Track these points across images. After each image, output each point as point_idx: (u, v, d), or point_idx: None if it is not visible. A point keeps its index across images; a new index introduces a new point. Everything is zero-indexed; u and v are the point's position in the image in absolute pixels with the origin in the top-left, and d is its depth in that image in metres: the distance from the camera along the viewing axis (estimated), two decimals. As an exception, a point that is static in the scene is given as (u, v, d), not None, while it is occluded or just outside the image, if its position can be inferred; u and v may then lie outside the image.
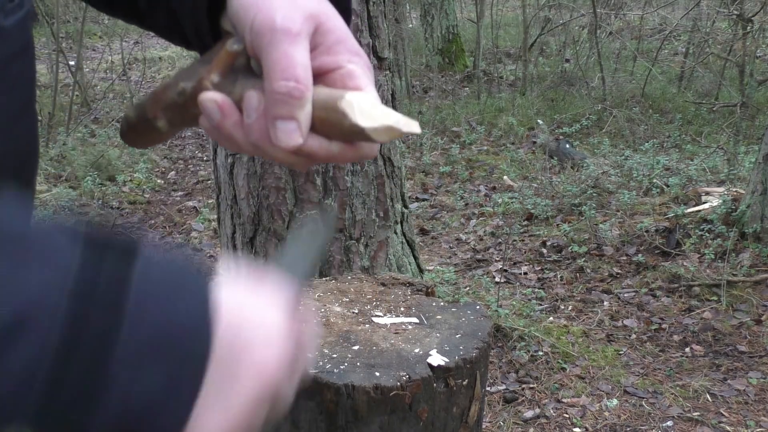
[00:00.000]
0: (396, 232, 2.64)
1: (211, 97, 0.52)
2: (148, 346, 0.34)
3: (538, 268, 3.71)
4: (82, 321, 0.33)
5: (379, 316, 1.26)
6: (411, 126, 0.52)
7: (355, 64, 0.54)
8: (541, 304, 3.29)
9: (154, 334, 0.35)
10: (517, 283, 3.56)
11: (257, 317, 0.41)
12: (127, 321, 0.34)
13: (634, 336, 3.01)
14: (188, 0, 0.58)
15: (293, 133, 0.49)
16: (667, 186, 4.35)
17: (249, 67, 0.54)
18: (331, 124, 0.50)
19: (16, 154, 0.58)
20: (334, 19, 0.55)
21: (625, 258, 3.63)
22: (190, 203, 4.86)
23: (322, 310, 1.27)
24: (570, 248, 3.75)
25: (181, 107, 0.56)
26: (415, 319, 1.24)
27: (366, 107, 0.49)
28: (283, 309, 0.42)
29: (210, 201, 4.72)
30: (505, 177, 5.15)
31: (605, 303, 3.29)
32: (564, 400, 2.57)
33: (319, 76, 0.54)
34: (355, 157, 0.54)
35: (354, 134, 0.50)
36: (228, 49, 0.54)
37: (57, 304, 0.33)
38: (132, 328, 0.34)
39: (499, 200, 4.57)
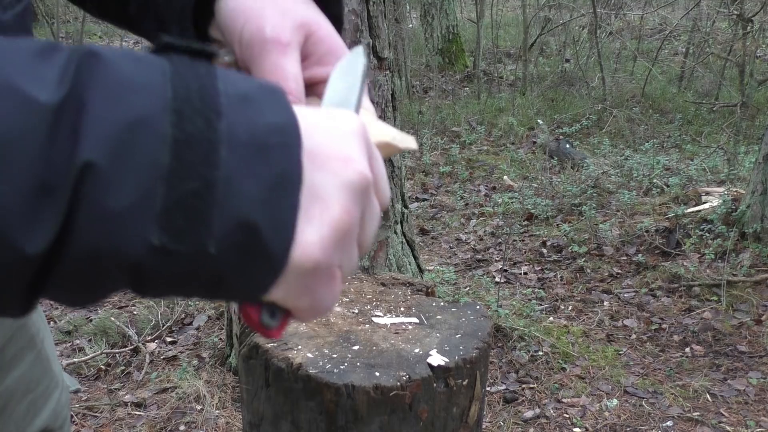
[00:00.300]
0: (396, 232, 2.64)
1: None
2: (247, 146, 0.35)
3: (538, 268, 3.71)
4: (186, 121, 0.34)
5: (379, 316, 1.26)
6: (408, 142, 0.51)
7: None
8: (541, 304, 3.29)
9: (250, 134, 0.35)
10: (517, 283, 3.56)
11: (332, 120, 0.41)
12: (224, 121, 0.35)
13: (634, 336, 3.01)
14: (175, 8, 0.58)
15: None
16: (667, 186, 4.35)
17: None
18: None
19: None
20: (324, 27, 0.55)
21: (625, 258, 3.63)
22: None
23: (322, 310, 1.27)
24: (570, 248, 3.75)
25: None
26: (415, 319, 1.24)
27: None
28: (352, 118, 0.43)
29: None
30: (505, 177, 5.15)
31: (605, 303, 3.29)
32: (564, 400, 2.57)
33: (311, 86, 0.54)
34: None
35: None
36: (219, 60, 0.54)
37: (164, 103, 0.34)
38: (231, 128, 0.35)
39: (499, 200, 4.57)
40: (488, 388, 2.60)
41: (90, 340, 2.99)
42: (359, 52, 0.51)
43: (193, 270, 0.35)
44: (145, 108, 0.33)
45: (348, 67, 0.50)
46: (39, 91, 0.31)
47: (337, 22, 0.58)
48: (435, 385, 1.06)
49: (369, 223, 0.42)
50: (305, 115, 0.40)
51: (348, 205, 0.39)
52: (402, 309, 1.29)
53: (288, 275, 0.38)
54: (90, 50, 0.34)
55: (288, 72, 0.51)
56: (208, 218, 0.34)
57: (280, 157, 0.36)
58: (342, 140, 0.40)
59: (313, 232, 0.38)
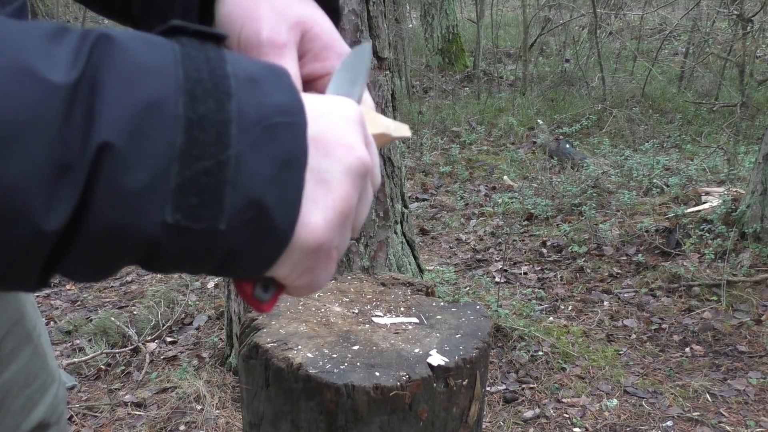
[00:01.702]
0: (396, 232, 2.64)
1: None
2: (256, 125, 0.36)
3: (538, 268, 3.71)
4: (198, 102, 0.35)
5: (379, 316, 1.26)
6: (402, 131, 0.53)
7: None
8: (541, 304, 3.29)
9: (259, 114, 0.37)
10: (517, 283, 3.56)
11: (334, 107, 0.43)
12: (234, 102, 0.36)
13: (634, 336, 3.01)
14: (179, 7, 0.59)
15: None
16: (667, 186, 4.35)
17: None
18: None
19: None
20: (321, 22, 0.56)
21: (625, 258, 3.63)
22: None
23: (322, 310, 1.27)
24: (570, 248, 3.75)
25: None
26: (415, 319, 1.24)
27: None
28: (353, 107, 0.44)
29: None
30: (505, 177, 5.15)
31: (605, 303, 3.29)
32: (564, 400, 2.57)
33: (310, 82, 0.55)
34: None
35: None
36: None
37: (177, 85, 0.35)
38: (241, 108, 0.36)
39: (499, 200, 4.57)
40: (488, 388, 2.60)
41: (90, 340, 2.99)
42: (365, 48, 0.52)
43: (203, 246, 0.36)
44: (159, 90, 0.34)
45: (353, 61, 0.51)
46: (53, 72, 0.31)
47: (334, 14, 0.59)
48: (435, 385, 1.06)
49: (363, 207, 0.44)
50: (309, 100, 0.41)
51: (349, 190, 0.41)
52: (402, 309, 1.29)
53: (293, 254, 0.40)
54: (102, 32, 0.34)
55: None
56: (220, 196, 0.35)
57: (287, 136, 0.38)
58: (344, 127, 0.42)
59: (319, 214, 0.39)
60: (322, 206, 0.39)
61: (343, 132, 0.41)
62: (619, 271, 3.54)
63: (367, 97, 0.54)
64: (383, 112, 2.55)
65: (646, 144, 5.22)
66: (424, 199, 4.89)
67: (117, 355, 2.90)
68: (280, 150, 0.37)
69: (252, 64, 0.39)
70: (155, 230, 0.34)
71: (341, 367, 1.06)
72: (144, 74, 0.34)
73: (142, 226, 0.34)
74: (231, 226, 0.36)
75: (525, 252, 3.90)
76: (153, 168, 0.33)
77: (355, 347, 1.13)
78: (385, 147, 2.57)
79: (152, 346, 2.96)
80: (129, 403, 2.54)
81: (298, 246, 0.39)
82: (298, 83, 0.52)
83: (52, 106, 0.31)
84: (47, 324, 3.14)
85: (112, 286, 3.62)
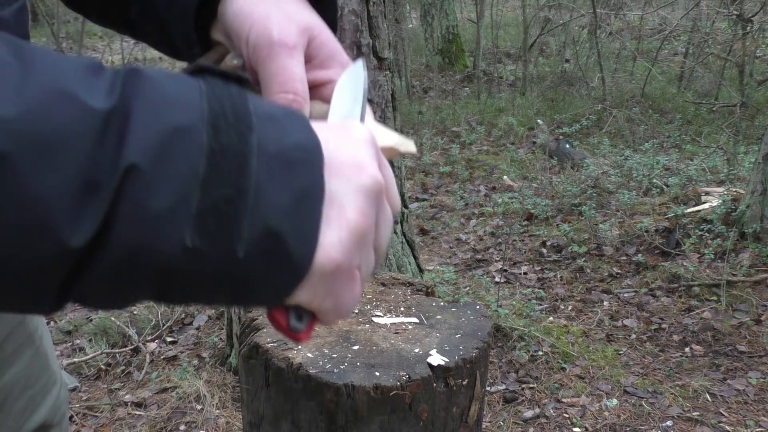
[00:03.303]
0: (396, 232, 2.65)
1: None
2: (275, 159, 0.38)
3: (538, 268, 3.71)
4: (221, 133, 0.37)
5: (379, 316, 1.26)
6: (408, 146, 0.54)
7: None
8: (541, 304, 3.29)
9: (278, 149, 0.38)
10: (517, 283, 3.56)
11: (344, 131, 0.44)
12: (255, 136, 0.38)
13: (633, 336, 3.01)
14: (177, 12, 0.59)
15: None
16: (667, 186, 4.35)
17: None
18: None
19: None
20: (325, 32, 0.57)
21: (625, 258, 3.64)
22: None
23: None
24: (570, 248, 3.75)
25: None
26: (415, 319, 1.24)
27: None
28: (362, 129, 0.45)
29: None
30: (505, 177, 5.15)
31: (605, 303, 3.29)
32: (564, 400, 2.57)
33: (313, 88, 0.55)
34: None
35: None
36: (228, 63, 0.55)
37: (201, 116, 0.36)
38: (261, 142, 0.38)
39: (499, 200, 4.58)
40: (488, 388, 2.60)
41: (90, 340, 2.99)
42: (360, 66, 0.53)
43: (221, 272, 0.37)
44: (185, 119, 0.36)
45: (350, 80, 0.53)
46: (91, 98, 0.34)
47: (332, 26, 0.60)
48: (435, 384, 1.06)
49: (383, 227, 0.45)
50: (320, 128, 0.42)
51: (364, 208, 0.41)
52: (402, 309, 1.29)
53: (311, 278, 0.40)
54: (134, 68, 0.37)
55: (295, 73, 0.52)
56: (239, 223, 0.36)
57: (304, 172, 0.39)
58: (354, 148, 0.43)
59: (333, 234, 0.40)
60: (336, 226, 0.40)
61: (353, 152, 0.42)
62: (619, 271, 3.54)
63: (368, 112, 0.54)
64: (383, 112, 2.55)
65: (646, 144, 5.22)
66: (424, 199, 4.89)
67: (117, 354, 2.90)
68: (298, 183, 0.38)
69: (272, 105, 0.41)
70: (175, 253, 0.35)
71: (341, 367, 1.06)
72: (171, 105, 0.36)
73: (163, 248, 0.35)
74: (249, 254, 0.37)
75: (525, 252, 3.91)
76: (175, 192, 0.35)
77: (355, 347, 1.13)
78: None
79: (152, 345, 2.96)
80: (129, 403, 2.54)
81: (315, 269, 0.40)
82: (305, 86, 0.53)
83: (88, 128, 0.33)
84: (48, 324, 3.13)
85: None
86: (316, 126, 0.42)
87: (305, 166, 0.39)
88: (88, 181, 0.33)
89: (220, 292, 0.39)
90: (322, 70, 0.56)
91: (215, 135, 0.36)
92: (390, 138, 0.52)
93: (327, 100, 0.54)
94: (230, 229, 0.36)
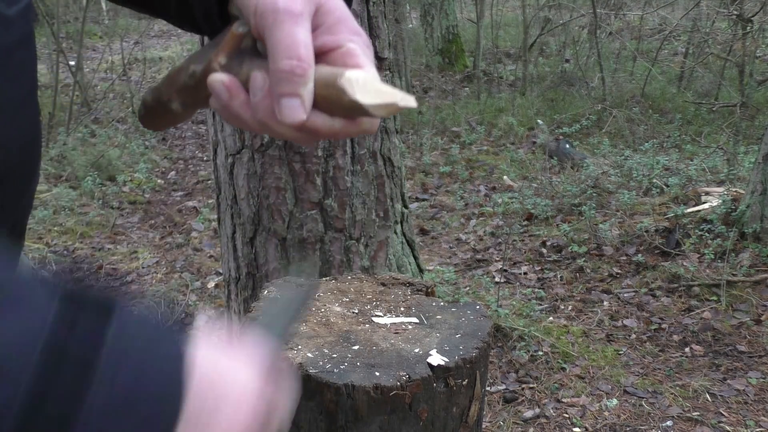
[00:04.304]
0: (396, 232, 2.65)
1: (218, 78, 0.54)
2: (115, 408, 0.34)
3: (538, 268, 3.71)
4: (51, 377, 0.33)
5: (379, 316, 1.26)
6: (408, 101, 0.54)
7: (355, 43, 0.55)
8: (541, 304, 3.29)
9: (122, 396, 0.34)
10: (517, 283, 3.56)
11: (230, 377, 0.40)
12: (96, 381, 0.34)
13: (633, 336, 3.01)
14: None
15: (297, 110, 0.51)
16: (667, 186, 4.35)
17: (255, 48, 0.56)
18: (332, 100, 0.52)
19: (21, 142, 0.59)
20: (333, 0, 0.56)
21: (624, 258, 3.64)
22: (190, 203, 4.87)
23: (322, 310, 1.27)
24: (570, 248, 3.75)
25: (193, 89, 0.58)
26: (415, 319, 1.24)
27: (364, 84, 0.51)
28: (258, 368, 0.42)
29: (210, 201, 4.72)
30: (505, 177, 5.15)
31: (605, 303, 3.29)
32: (564, 400, 2.57)
33: (321, 55, 0.55)
34: (356, 132, 0.55)
35: (354, 110, 0.52)
36: (234, 31, 0.56)
37: (29, 357, 0.33)
38: (100, 389, 0.34)
39: (499, 200, 4.58)
40: (488, 388, 2.61)
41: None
42: (310, 291, 0.53)
43: None
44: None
45: (290, 297, 0.53)
46: None
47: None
48: (435, 385, 1.06)
49: None
50: (203, 368, 0.38)
51: None
52: (402, 309, 1.29)
53: None
54: None
55: (300, 39, 0.52)
56: None
57: (149, 427, 0.35)
58: (234, 403, 0.39)
59: None
60: None
61: (230, 409, 0.39)
62: (619, 271, 3.54)
63: (371, 69, 0.54)
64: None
65: (646, 144, 5.22)
66: (424, 199, 4.89)
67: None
68: None
69: (143, 331, 0.37)
70: None
71: (341, 367, 1.07)
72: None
73: None
74: None
75: (525, 252, 3.91)
76: None
77: (355, 347, 1.14)
78: (391, 142, 2.58)
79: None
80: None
81: None
82: (310, 51, 0.52)
83: None
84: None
85: (112, 286, 3.62)
86: (200, 363, 0.38)
87: (154, 417, 0.35)
88: None
89: None
90: (329, 36, 0.55)
91: (42, 379, 0.33)
92: (388, 93, 0.52)
93: (335, 65, 0.54)
94: None
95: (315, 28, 0.55)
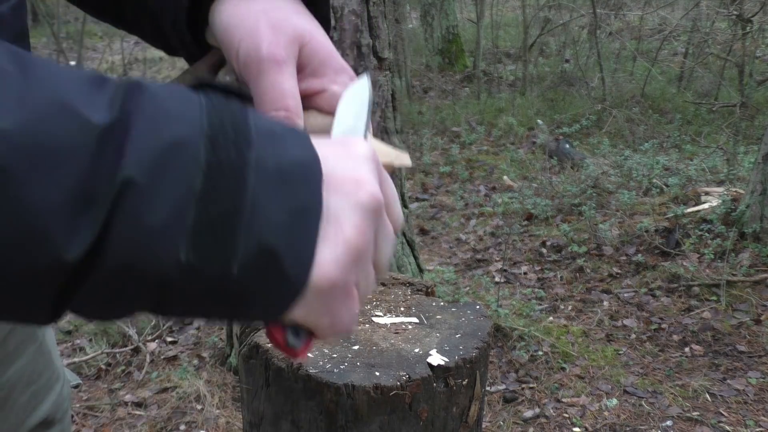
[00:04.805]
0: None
1: None
2: (273, 176, 0.38)
3: (537, 268, 3.71)
4: (219, 148, 0.36)
5: (379, 316, 1.26)
6: (403, 159, 0.54)
7: (340, 84, 0.56)
8: (540, 304, 3.29)
9: (277, 166, 0.38)
10: (517, 283, 3.56)
11: (345, 147, 0.44)
12: (254, 152, 0.37)
13: (633, 336, 3.02)
14: (169, 14, 0.59)
15: None
16: (667, 186, 4.36)
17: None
18: None
19: None
20: (317, 37, 0.56)
21: (624, 258, 3.64)
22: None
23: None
24: (570, 248, 3.75)
25: None
26: (415, 319, 1.25)
27: None
28: (364, 145, 0.45)
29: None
30: (505, 177, 5.15)
31: (605, 303, 3.29)
32: (564, 400, 2.57)
33: (307, 98, 0.55)
34: None
35: None
36: (220, 80, 0.56)
37: (200, 131, 0.36)
38: (259, 159, 0.37)
39: (499, 200, 4.58)
40: (488, 388, 2.61)
41: (90, 340, 3.00)
42: (364, 80, 0.53)
43: (216, 288, 0.37)
44: (183, 134, 0.35)
45: (355, 95, 0.53)
46: (91, 112, 0.34)
47: (325, 23, 0.59)
48: (435, 384, 1.07)
49: (383, 244, 0.44)
50: (321, 144, 0.42)
51: (361, 225, 0.41)
52: (402, 309, 1.29)
53: (307, 295, 0.40)
54: (136, 82, 0.37)
55: (286, 90, 0.52)
56: (234, 240, 0.36)
57: (302, 189, 0.39)
58: (354, 165, 0.42)
59: (328, 252, 0.40)
60: (333, 244, 0.40)
61: (353, 169, 0.42)
62: (619, 271, 3.55)
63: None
64: (383, 112, 2.55)
65: (646, 144, 5.22)
66: (424, 199, 4.89)
67: (117, 354, 2.90)
68: (295, 200, 0.38)
69: (272, 121, 0.41)
70: (169, 268, 0.35)
71: (341, 366, 1.07)
72: (170, 120, 0.36)
73: (157, 262, 0.34)
74: (243, 271, 0.36)
75: (525, 252, 3.91)
76: (171, 207, 0.34)
77: (355, 347, 1.14)
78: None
79: (152, 345, 2.96)
80: (129, 403, 2.54)
81: (311, 287, 0.39)
82: (298, 101, 0.52)
83: (87, 142, 0.33)
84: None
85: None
86: (317, 142, 0.42)
87: (303, 183, 0.39)
88: (84, 195, 0.33)
89: (216, 307, 0.38)
90: (315, 79, 0.55)
91: (213, 150, 0.36)
92: (385, 151, 0.52)
93: (322, 109, 0.54)
94: (225, 245, 0.36)
95: (300, 70, 0.55)
